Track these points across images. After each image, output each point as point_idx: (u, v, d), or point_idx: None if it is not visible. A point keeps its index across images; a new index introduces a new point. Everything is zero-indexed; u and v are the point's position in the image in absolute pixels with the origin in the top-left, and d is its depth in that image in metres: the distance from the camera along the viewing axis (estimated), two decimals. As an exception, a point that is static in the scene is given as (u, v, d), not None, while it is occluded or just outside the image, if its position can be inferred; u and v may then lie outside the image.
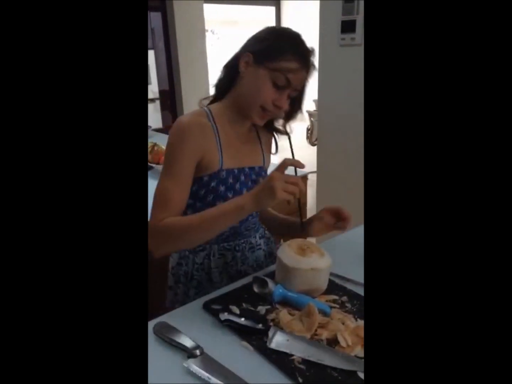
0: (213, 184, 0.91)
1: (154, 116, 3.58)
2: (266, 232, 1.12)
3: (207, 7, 3.66)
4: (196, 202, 0.92)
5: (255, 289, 0.84)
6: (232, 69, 0.91)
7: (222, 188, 0.92)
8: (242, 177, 0.96)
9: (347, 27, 2.07)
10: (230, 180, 0.93)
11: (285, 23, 4.85)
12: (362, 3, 2.01)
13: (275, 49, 0.85)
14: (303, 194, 0.81)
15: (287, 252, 0.84)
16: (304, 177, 1.86)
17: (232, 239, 1.01)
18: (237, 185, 0.94)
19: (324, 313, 0.78)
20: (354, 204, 1.32)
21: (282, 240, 0.90)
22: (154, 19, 3.40)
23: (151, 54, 3.50)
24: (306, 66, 0.86)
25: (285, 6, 4.85)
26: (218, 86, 0.96)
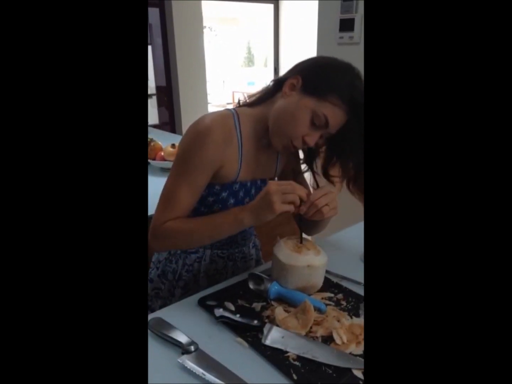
0: (223, 194, 0.88)
1: (151, 112, 3.56)
2: (256, 240, 1.11)
3: (205, 4, 3.64)
4: (201, 207, 0.90)
5: (251, 285, 0.84)
6: (278, 84, 0.85)
7: (231, 201, 0.90)
8: (253, 190, 0.94)
9: (346, 25, 2.07)
10: (241, 194, 0.91)
11: (283, 21, 4.84)
12: (361, 2, 2.01)
13: (326, 86, 0.78)
14: (305, 199, 0.78)
15: (283, 249, 0.84)
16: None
17: (227, 247, 0.99)
18: (247, 199, 0.92)
19: (319, 311, 0.78)
20: (352, 202, 1.32)
21: (278, 237, 0.89)
22: (152, 15, 3.38)
23: (148, 50, 3.48)
24: (351, 115, 0.80)
25: (283, 4, 4.83)
26: (258, 93, 0.91)
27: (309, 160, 0.95)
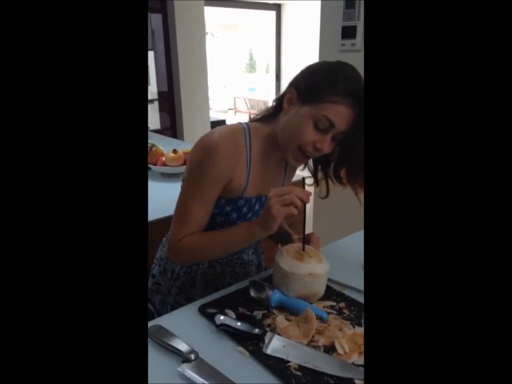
0: (227, 208, 0.89)
1: (152, 117, 3.56)
2: (258, 244, 1.10)
3: (208, 10, 3.66)
4: None
5: (252, 293, 0.83)
6: (278, 102, 0.86)
7: (234, 215, 0.91)
8: (257, 207, 0.94)
9: (348, 32, 2.08)
10: (245, 210, 0.92)
11: (285, 28, 4.86)
12: (363, 9, 2.01)
13: (320, 88, 0.77)
14: (307, 200, 0.77)
15: (285, 256, 0.83)
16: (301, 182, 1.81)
17: None
18: (250, 215, 0.93)
19: (321, 319, 0.77)
20: (352, 206, 1.31)
21: (280, 244, 0.89)
22: (155, 20, 3.39)
23: (150, 55, 3.49)
24: (356, 107, 0.76)
25: (285, 11, 4.85)
26: (268, 110, 0.90)
27: (324, 167, 0.93)
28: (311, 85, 0.79)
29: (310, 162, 0.95)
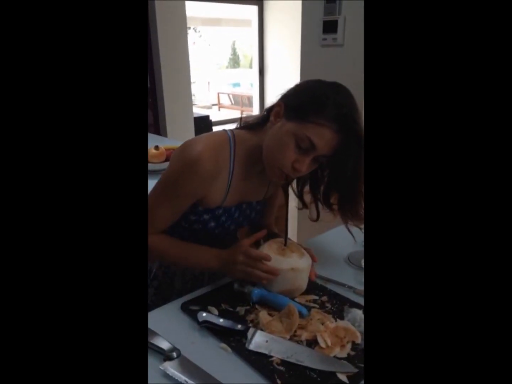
0: (205, 217, 0.88)
1: (135, 114, 3.52)
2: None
3: (189, 5, 3.62)
4: (182, 221, 0.89)
5: (235, 286, 0.83)
6: (267, 113, 0.84)
7: (212, 224, 0.89)
8: (236, 214, 0.93)
9: (329, 27, 2.08)
10: (223, 219, 0.90)
11: (267, 23, 4.84)
12: (344, 3, 2.02)
13: (307, 108, 0.75)
14: (272, 277, 0.81)
15: (267, 252, 0.83)
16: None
17: None
18: (228, 222, 0.92)
19: (300, 314, 0.77)
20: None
21: (262, 240, 0.89)
22: (135, 15, 3.34)
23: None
24: (341, 132, 0.74)
25: (268, 6, 4.83)
26: (253, 121, 0.89)
27: (313, 190, 0.92)
28: (300, 103, 0.77)
29: (294, 184, 0.95)
